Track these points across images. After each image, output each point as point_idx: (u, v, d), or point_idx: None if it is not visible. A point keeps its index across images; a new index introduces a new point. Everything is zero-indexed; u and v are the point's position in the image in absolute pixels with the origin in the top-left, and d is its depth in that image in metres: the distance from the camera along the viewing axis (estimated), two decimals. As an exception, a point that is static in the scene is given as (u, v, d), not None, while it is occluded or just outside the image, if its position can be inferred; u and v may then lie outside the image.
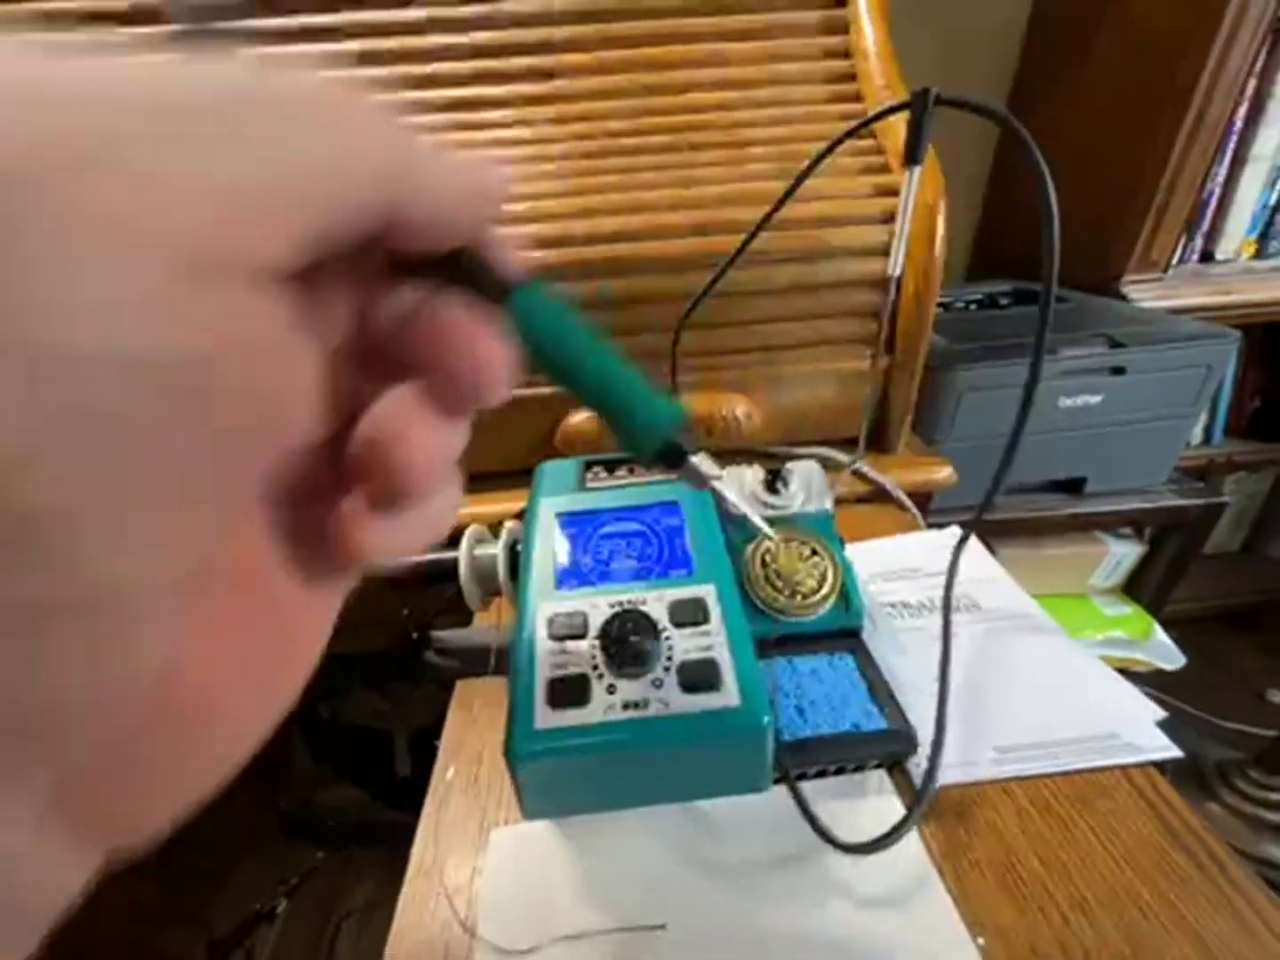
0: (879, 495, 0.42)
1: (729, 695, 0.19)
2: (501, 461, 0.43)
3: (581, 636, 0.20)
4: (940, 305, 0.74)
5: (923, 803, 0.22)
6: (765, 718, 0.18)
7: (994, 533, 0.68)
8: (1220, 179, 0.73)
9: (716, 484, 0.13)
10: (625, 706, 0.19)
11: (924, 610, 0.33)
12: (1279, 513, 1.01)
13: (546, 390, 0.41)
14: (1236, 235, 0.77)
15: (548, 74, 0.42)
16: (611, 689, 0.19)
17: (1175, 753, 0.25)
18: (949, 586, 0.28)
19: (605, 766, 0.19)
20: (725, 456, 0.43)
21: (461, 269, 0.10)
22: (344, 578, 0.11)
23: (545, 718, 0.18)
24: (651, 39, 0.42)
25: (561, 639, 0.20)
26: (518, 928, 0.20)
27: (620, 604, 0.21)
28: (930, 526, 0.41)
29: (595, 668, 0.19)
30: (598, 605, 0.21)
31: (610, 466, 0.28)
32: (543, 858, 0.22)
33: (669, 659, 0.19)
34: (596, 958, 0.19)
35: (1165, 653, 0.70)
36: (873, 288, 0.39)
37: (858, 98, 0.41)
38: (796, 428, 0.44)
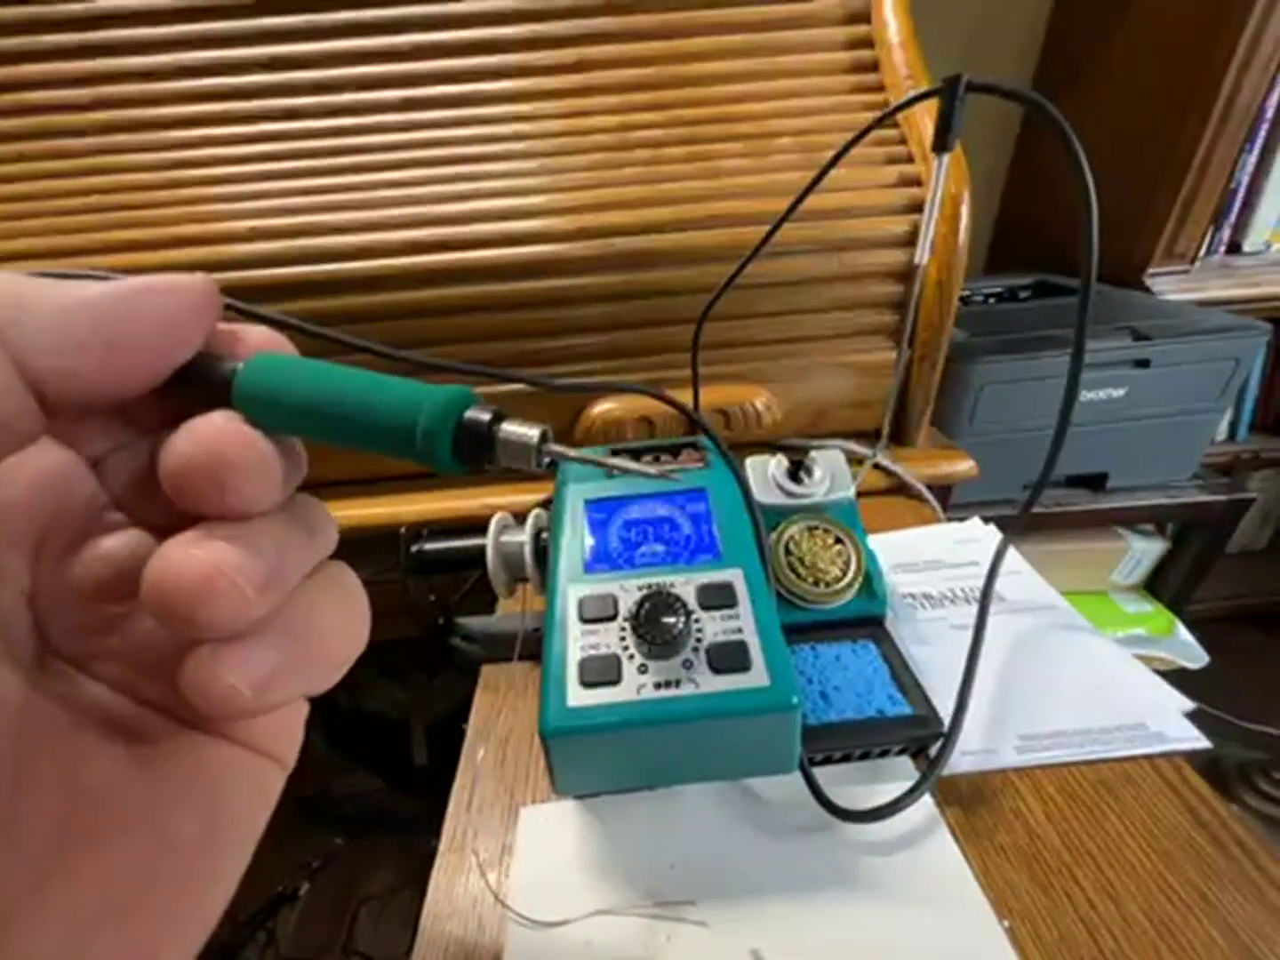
0: (899, 488, 0.42)
1: (758, 675, 0.19)
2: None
3: (612, 618, 0.21)
4: (959, 298, 0.74)
5: (932, 775, 0.22)
6: (795, 697, 0.18)
7: (1020, 506, 0.67)
8: (1249, 168, 0.71)
9: (555, 450, 0.10)
10: (657, 686, 0.19)
11: (945, 602, 0.33)
12: (1306, 511, 0.99)
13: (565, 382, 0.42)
14: (1266, 226, 0.75)
15: (572, 67, 0.42)
16: (643, 669, 0.19)
17: (1203, 743, 0.24)
18: (990, 578, 0.28)
19: (637, 743, 0.19)
20: (745, 448, 0.44)
21: (177, 388, 0.09)
22: (238, 737, 0.11)
23: (578, 696, 0.19)
24: (675, 31, 0.42)
25: (592, 621, 0.21)
26: (549, 902, 0.21)
27: (649, 587, 0.21)
28: (950, 519, 0.41)
29: (626, 648, 0.20)
30: (627, 588, 0.21)
31: (636, 455, 0.28)
32: (572, 835, 0.22)
33: (698, 640, 0.20)
34: (626, 932, 0.20)
35: (1188, 651, 0.69)
36: (896, 279, 0.39)
37: (881, 87, 0.41)
38: (816, 421, 0.44)
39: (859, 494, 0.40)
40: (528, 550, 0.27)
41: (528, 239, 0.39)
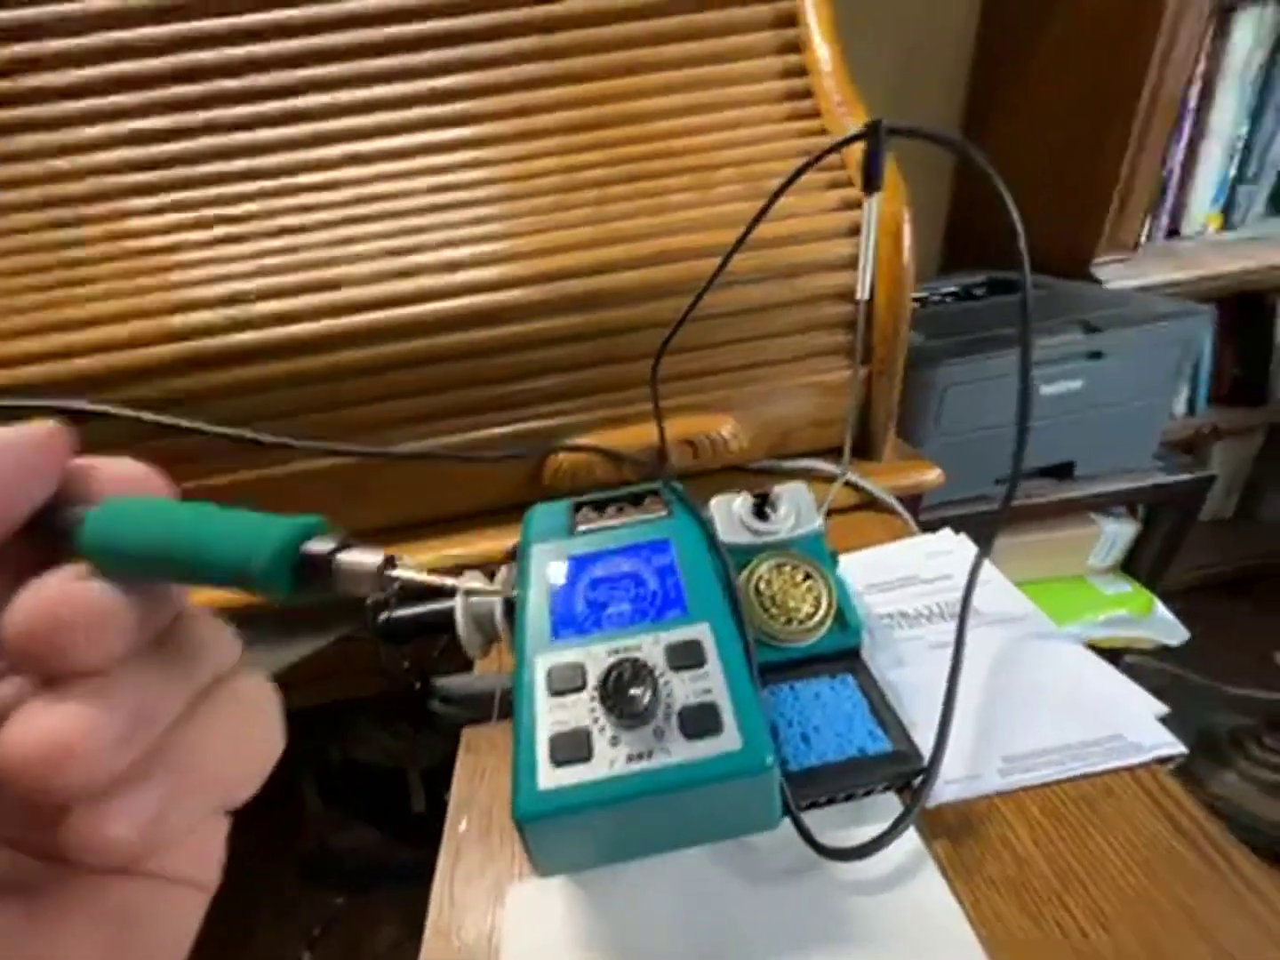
0: (869, 503, 0.43)
1: (730, 738, 0.19)
2: (494, 499, 0.43)
3: (580, 689, 0.20)
4: (916, 300, 0.75)
5: (913, 810, 0.22)
6: (768, 758, 0.18)
7: (988, 523, 0.68)
8: (1179, 157, 0.74)
9: (401, 573, 0.11)
10: (629, 759, 0.19)
11: (921, 619, 0.33)
12: (1267, 477, 1.02)
13: (528, 425, 0.42)
14: (1201, 210, 0.78)
15: (512, 113, 0.42)
16: (614, 741, 0.19)
17: (1179, 749, 0.25)
18: (966, 600, 0.28)
19: (613, 821, 0.19)
20: (713, 476, 0.44)
21: (31, 538, 0.10)
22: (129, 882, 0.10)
23: (549, 776, 0.18)
24: (611, 71, 0.43)
25: (560, 693, 0.20)
26: (539, 987, 0.20)
27: (617, 652, 0.21)
28: (922, 525, 0.42)
29: (596, 720, 0.19)
30: (595, 654, 0.21)
31: (599, 507, 0.28)
32: (560, 911, 0.22)
33: (669, 706, 0.19)
34: (620, 1012, 0.19)
35: (1168, 629, 0.71)
36: (847, 300, 0.40)
37: (816, 113, 0.42)
38: (783, 441, 0.45)
39: (830, 512, 0.41)
40: (498, 611, 0.27)
41: (480, 288, 0.38)
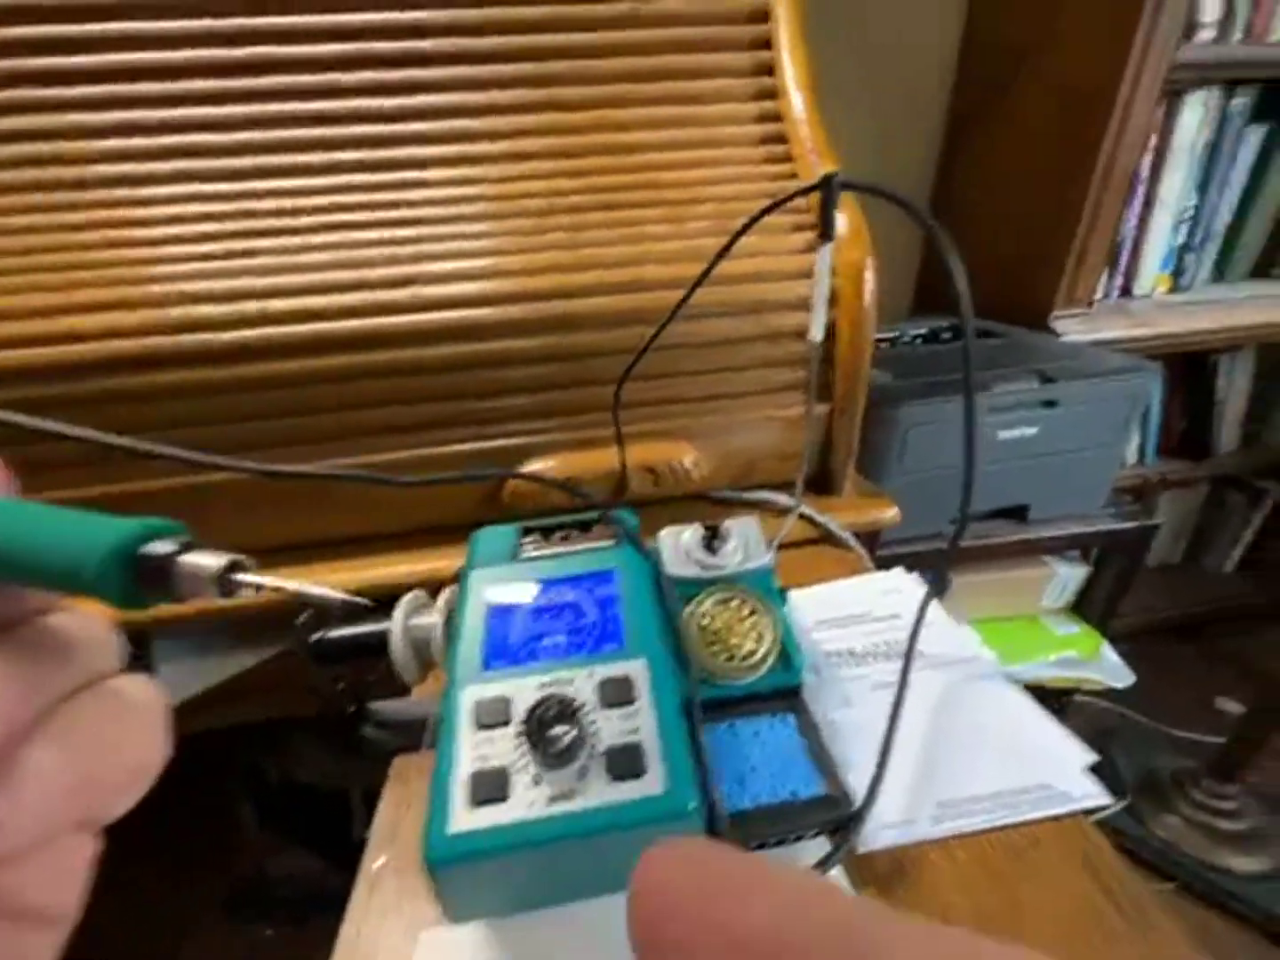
0: (825, 537, 0.43)
1: (653, 782, 0.18)
2: (453, 515, 0.42)
3: (505, 724, 0.20)
4: (886, 341, 0.78)
5: (837, 854, 0.22)
6: (691, 804, 0.18)
7: (938, 562, 0.70)
8: (1133, 223, 0.78)
9: (247, 578, 0.10)
10: (550, 800, 0.18)
11: (868, 658, 0.34)
12: (1211, 526, 1.07)
13: (492, 444, 0.41)
14: (1151, 273, 0.83)
15: (495, 136, 0.43)
16: (536, 780, 0.18)
17: (1104, 800, 0.25)
18: (910, 645, 0.28)
19: (528, 866, 0.18)
20: (674, 504, 0.44)
21: None
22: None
23: (462, 819, 0.18)
24: (597, 103, 0.44)
25: (486, 728, 0.20)
26: (443, 1042, 0.19)
27: (547, 686, 0.20)
28: (882, 560, 0.42)
29: (521, 758, 0.19)
30: (524, 688, 0.21)
31: (546, 533, 0.27)
32: (476, 958, 0.21)
33: (594, 746, 0.19)
34: (525, 1072, 0.18)
35: (1114, 671, 0.73)
36: (807, 339, 0.41)
37: (789, 158, 0.44)
38: (746, 472, 0.45)
39: (785, 546, 0.41)
40: (437, 635, 0.26)
41: (452, 304, 0.38)
